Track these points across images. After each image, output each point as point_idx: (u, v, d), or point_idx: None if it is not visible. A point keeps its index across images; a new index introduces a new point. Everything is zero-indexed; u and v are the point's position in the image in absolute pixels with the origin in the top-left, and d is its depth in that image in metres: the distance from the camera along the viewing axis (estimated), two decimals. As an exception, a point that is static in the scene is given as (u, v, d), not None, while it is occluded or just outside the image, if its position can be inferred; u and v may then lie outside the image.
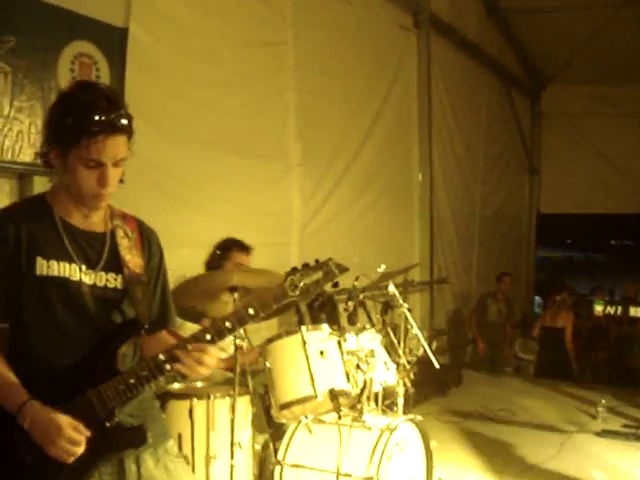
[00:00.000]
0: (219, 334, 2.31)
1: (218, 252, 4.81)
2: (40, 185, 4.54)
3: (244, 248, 4.86)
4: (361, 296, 4.66)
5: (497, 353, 9.63)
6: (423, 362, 7.35)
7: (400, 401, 4.43)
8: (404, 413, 4.36)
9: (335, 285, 2.48)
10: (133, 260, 2.46)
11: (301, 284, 2.35)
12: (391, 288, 4.88)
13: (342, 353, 3.91)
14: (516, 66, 12.33)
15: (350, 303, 4.63)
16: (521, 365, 9.63)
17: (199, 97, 5.77)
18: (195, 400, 3.67)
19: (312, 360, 3.79)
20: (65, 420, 2.14)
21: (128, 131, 2.36)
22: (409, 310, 5.73)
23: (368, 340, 4.13)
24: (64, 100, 2.35)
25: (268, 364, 3.89)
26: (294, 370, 3.82)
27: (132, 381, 2.26)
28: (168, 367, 2.27)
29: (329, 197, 7.48)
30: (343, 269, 2.48)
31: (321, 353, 3.82)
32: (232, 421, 3.61)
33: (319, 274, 2.38)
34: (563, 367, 9.16)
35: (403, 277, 8.57)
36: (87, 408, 2.22)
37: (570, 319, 9.33)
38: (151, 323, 2.47)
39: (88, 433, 2.17)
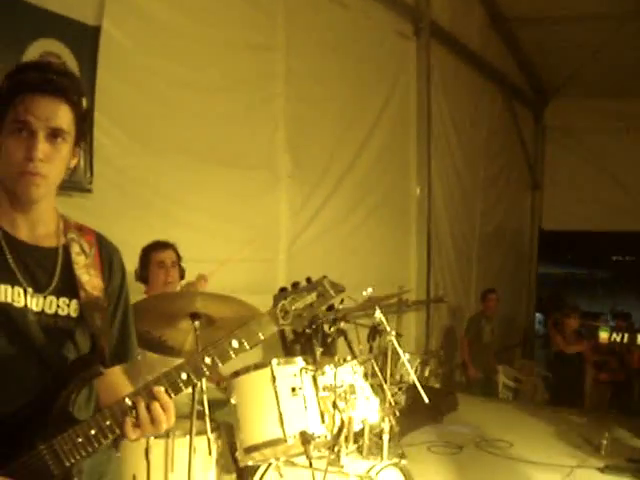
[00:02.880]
0: (196, 373, 1.93)
1: (140, 262, 4.49)
2: None
3: (160, 246, 4.53)
4: (341, 324, 4.22)
5: (493, 375, 9.15)
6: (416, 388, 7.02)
7: (385, 440, 4.00)
8: (390, 453, 3.95)
9: (330, 308, 2.11)
10: (91, 281, 2.03)
11: (292, 309, 1.99)
12: (377, 314, 4.49)
13: (317, 390, 3.50)
14: (520, 78, 11.98)
15: (332, 329, 4.20)
16: (520, 389, 9.16)
17: (179, 102, 5.40)
18: (152, 439, 3.26)
19: (282, 398, 3.36)
20: None
21: (70, 99, 1.89)
22: (399, 335, 5.36)
23: (349, 373, 3.72)
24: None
25: (233, 400, 3.47)
26: (262, 409, 3.39)
27: (93, 432, 1.84)
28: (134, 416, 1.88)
29: (320, 211, 7.09)
30: (340, 289, 2.13)
31: (292, 390, 3.40)
32: (189, 463, 3.20)
33: (313, 296, 2.04)
34: (575, 394, 8.78)
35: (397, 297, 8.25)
36: (39, 467, 1.80)
37: (584, 344, 8.94)
38: (109, 356, 2.06)
39: None
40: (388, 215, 8.38)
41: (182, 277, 4.60)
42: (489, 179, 11.18)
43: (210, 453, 3.32)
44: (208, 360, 1.94)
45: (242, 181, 6.08)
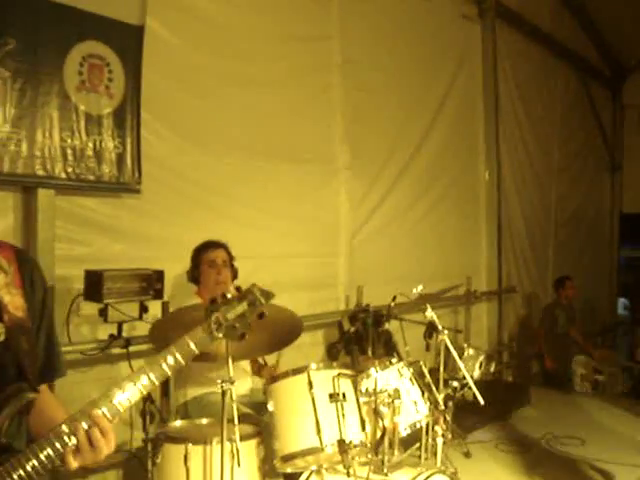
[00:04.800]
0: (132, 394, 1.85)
1: (191, 262, 4.45)
2: (46, 198, 4.20)
3: (211, 245, 4.47)
4: (386, 325, 4.06)
5: (565, 367, 8.77)
6: (487, 380, 6.81)
7: (439, 445, 3.84)
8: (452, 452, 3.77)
9: (261, 316, 2.01)
10: (13, 302, 1.92)
11: (225, 320, 1.94)
12: (429, 313, 4.32)
13: (358, 395, 3.36)
14: (595, 57, 11.49)
15: (384, 328, 4.04)
16: (599, 381, 8.77)
17: (230, 98, 5.32)
18: (190, 445, 3.18)
19: (319, 405, 3.23)
20: None
21: None
22: (458, 331, 5.20)
23: (395, 376, 3.57)
24: None
25: (270, 407, 3.36)
26: (299, 416, 3.27)
27: (33, 464, 1.72)
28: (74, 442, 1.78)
29: (382, 202, 6.91)
30: (269, 296, 2.06)
31: (330, 396, 3.28)
32: (232, 469, 3.11)
33: (244, 305, 2.00)
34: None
35: (466, 287, 8.03)
36: None
37: None
38: (37, 377, 1.97)
39: None
40: (455, 203, 8.14)
41: (235, 277, 4.53)
42: (565, 162, 10.77)
43: (255, 455, 3.23)
44: (171, 360, 1.87)
45: (299, 175, 5.96)
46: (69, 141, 4.27)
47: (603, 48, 11.50)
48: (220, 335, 1.93)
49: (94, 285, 4.00)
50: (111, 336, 4.18)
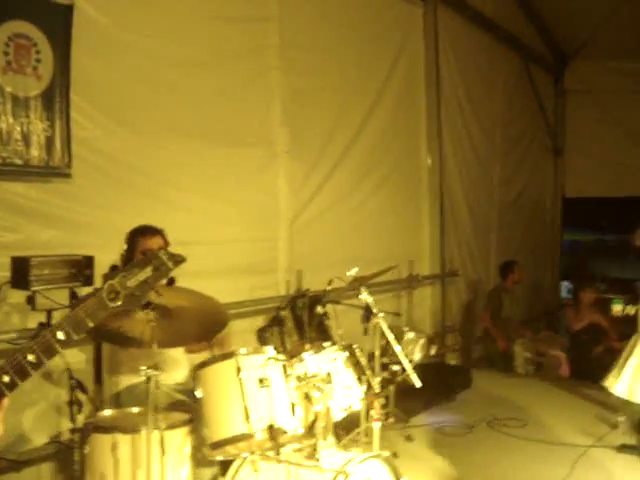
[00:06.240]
0: (21, 373, 1.73)
1: (124, 248, 4.24)
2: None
3: (148, 231, 4.31)
4: (319, 308, 4.00)
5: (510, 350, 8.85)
6: (430, 364, 6.82)
7: (375, 430, 3.79)
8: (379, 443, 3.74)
9: (170, 283, 1.90)
10: None
11: (123, 288, 1.78)
12: (363, 296, 4.27)
13: (288, 380, 3.30)
14: (537, 42, 11.51)
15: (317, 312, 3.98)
16: (542, 364, 8.85)
17: (164, 80, 5.20)
18: (118, 434, 3.10)
19: (247, 390, 3.17)
20: None
21: None
22: (397, 315, 5.16)
23: (328, 360, 3.52)
24: None
25: (199, 394, 3.28)
26: (227, 402, 3.20)
27: None
28: None
29: (322, 186, 6.83)
30: (179, 260, 1.91)
31: (260, 381, 3.21)
32: (161, 458, 3.04)
33: (147, 271, 1.84)
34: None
35: (408, 271, 8.04)
36: None
37: (601, 317, 8.67)
38: None
39: None
40: (397, 188, 8.11)
41: None
42: (507, 146, 10.81)
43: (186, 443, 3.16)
44: (31, 357, 1.75)
45: (237, 159, 5.86)
46: (-5, 124, 4.13)
47: (545, 34, 11.56)
48: (116, 305, 1.80)
49: (21, 272, 3.89)
50: (40, 324, 4.05)
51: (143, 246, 4.27)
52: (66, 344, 1.78)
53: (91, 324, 1.80)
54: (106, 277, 1.82)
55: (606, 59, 11.20)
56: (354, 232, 7.28)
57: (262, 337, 4.38)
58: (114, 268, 1.87)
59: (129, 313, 3.09)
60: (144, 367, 2.86)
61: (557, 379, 8.34)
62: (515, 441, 5.91)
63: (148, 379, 2.82)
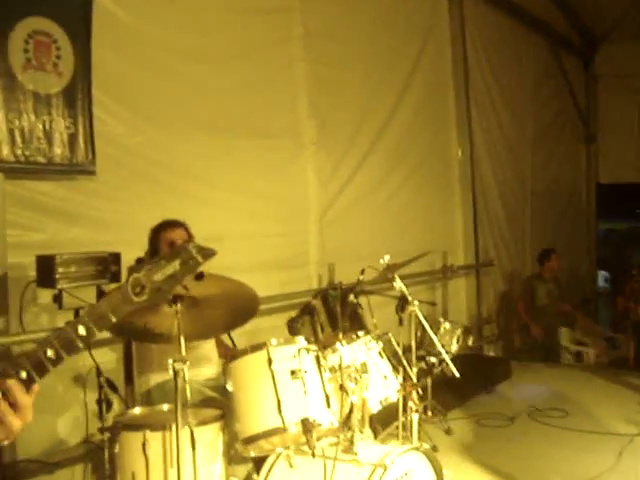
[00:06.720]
0: (39, 369, 1.63)
1: (149, 243, 4.13)
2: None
3: (170, 225, 4.15)
4: (351, 296, 3.88)
5: (550, 340, 8.65)
6: (467, 355, 6.68)
7: (414, 422, 3.66)
8: (418, 436, 3.61)
9: (199, 277, 1.76)
10: None
11: (149, 282, 1.68)
12: (397, 283, 4.16)
13: (321, 371, 3.19)
14: (565, 26, 11.32)
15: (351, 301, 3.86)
16: (582, 352, 8.65)
17: (186, 74, 5.13)
18: (148, 432, 3.01)
19: (280, 383, 3.06)
20: None
21: None
22: (433, 304, 5.04)
23: (362, 350, 3.41)
24: None
25: (229, 387, 3.18)
26: (259, 395, 3.09)
27: None
28: None
29: (352, 178, 6.73)
30: (209, 253, 1.77)
31: (292, 373, 3.11)
32: (193, 455, 2.95)
33: (175, 264, 1.70)
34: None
35: (442, 262, 7.91)
36: None
37: None
38: None
39: None
40: (427, 179, 7.98)
41: None
42: (538, 133, 10.62)
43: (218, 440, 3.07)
44: (50, 353, 1.64)
45: (264, 152, 5.78)
46: (17, 122, 4.07)
47: (574, 18, 11.35)
48: (141, 299, 1.70)
49: (46, 270, 3.82)
50: (67, 323, 3.98)
51: (166, 239, 4.17)
52: (88, 340, 1.68)
53: (114, 319, 1.68)
54: (131, 270, 1.70)
55: (636, 41, 10.95)
56: (385, 224, 7.16)
57: (293, 327, 4.24)
58: (140, 261, 1.73)
59: (155, 308, 3.01)
60: (171, 360, 2.77)
61: (598, 368, 8.14)
62: (557, 432, 5.74)
63: (175, 373, 2.72)
